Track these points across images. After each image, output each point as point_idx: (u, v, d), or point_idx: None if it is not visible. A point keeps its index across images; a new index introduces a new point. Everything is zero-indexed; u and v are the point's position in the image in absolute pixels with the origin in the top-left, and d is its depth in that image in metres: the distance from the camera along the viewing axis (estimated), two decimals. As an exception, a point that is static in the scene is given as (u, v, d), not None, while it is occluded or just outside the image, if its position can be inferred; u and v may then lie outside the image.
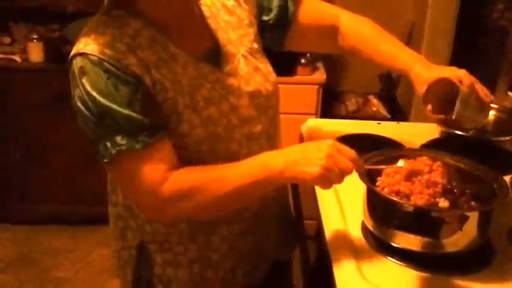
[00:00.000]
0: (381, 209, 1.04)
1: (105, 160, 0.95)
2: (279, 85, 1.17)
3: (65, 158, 2.83)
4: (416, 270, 1.00)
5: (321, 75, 2.68)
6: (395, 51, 1.22)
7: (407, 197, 1.00)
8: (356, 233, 1.11)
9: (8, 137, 2.82)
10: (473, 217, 0.97)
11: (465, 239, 0.97)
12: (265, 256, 1.21)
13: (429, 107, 1.11)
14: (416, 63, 1.16)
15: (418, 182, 1.02)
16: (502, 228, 1.10)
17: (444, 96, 1.09)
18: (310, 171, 0.91)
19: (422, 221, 0.96)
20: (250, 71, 1.10)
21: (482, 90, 1.11)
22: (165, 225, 1.09)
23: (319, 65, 2.77)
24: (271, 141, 1.13)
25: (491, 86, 1.86)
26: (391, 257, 1.03)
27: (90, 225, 2.83)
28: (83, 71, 0.93)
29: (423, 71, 1.14)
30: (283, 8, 1.22)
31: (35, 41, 2.73)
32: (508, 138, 1.42)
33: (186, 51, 1.02)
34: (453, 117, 1.06)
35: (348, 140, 1.39)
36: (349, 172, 0.92)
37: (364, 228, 1.11)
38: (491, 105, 1.15)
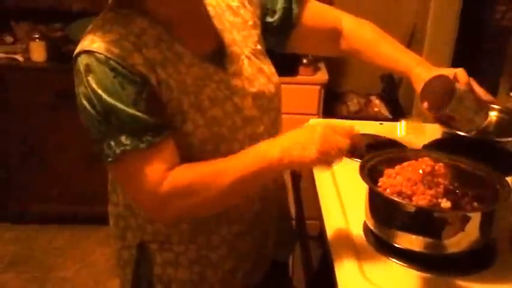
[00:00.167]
0: (382, 209, 1.04)
1: (109, 159, 0.95)
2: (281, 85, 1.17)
3: (66, 157, 2.83)
4: (418, 270, 1.00)
5: (323, 76, 2.68)
6: (397, 54, 1.23)
7: (409, 197, 1.00)
8: (358, 233, 1.11)
9: (9, 136, 2.81)
10: (476, 218, 0.97)
11: (467, 239, 0.97)
12: (264, 256, 1.21)
13: (425, 104, 1.12)
14: (417, 65, 1.18)
15: (419, 183, 1.02)
16: (505, 229, 1.10)
17: (442, 95, 1.09)
18: (307, 155, 0.92)
19: (424, 221, 0.96)
20: (254, 72, 1.10)
21: (478, 89, 1.12)
22: (167, 225, 1.08)
23: (321, 65, 2.77)
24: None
25: (494, 87, 1.86)
26: (393, 258, 1.03)
27: (91, 225, 2.83)
28: (88, 69, 0.93)
29: (423, 71, 1.16)
30: (288, 10, 1.22)
31: (37, 40, 2.73)
32: (510, 139, 1.42)
33: (191, 51, 1.02)
34: (447, 111, 1.07)
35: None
36: (347, 149, 0.93)
37: (366, 228, 1.11)
38: (494, 106, 1.15)
